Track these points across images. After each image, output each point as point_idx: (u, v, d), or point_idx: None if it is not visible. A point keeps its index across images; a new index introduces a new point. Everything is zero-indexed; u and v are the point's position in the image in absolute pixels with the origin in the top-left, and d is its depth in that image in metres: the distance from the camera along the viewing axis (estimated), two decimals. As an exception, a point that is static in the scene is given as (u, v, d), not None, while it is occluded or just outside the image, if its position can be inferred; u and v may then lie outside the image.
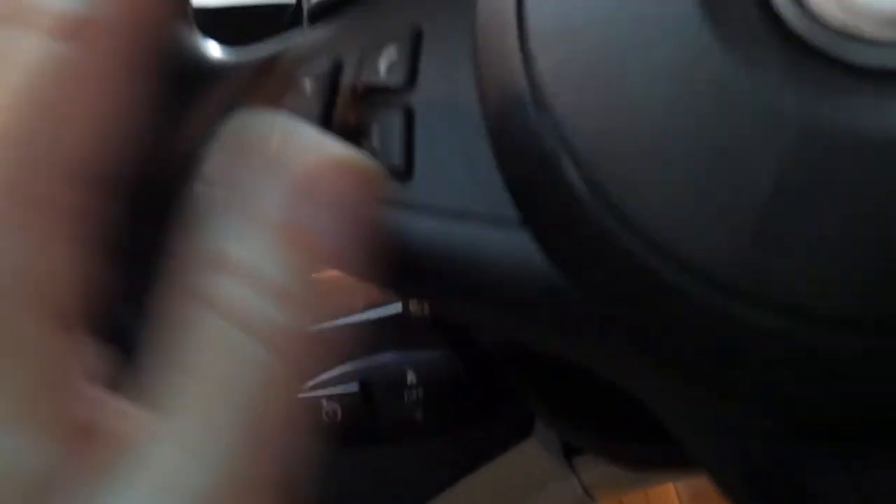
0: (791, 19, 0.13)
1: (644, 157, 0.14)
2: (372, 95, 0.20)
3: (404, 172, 0.19)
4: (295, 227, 0.15)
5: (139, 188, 0.17)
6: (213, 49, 0.23)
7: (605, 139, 0.15)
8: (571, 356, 0.19)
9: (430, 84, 0.19)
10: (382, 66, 0.20)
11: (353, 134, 0.20)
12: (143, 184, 0.18)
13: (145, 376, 0.14)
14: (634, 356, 0.17)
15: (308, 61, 0.21)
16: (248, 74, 0.22)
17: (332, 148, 0.16)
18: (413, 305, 0.30)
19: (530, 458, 0.35)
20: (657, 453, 0.29)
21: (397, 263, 0.19)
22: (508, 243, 0.17)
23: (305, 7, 0.23)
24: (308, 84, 0.21)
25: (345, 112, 0.20)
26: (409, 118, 0.19)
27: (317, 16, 0.22)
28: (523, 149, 0.16)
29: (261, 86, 0.22)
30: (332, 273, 0.17)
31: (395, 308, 0.36)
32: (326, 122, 0.20)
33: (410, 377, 0.29)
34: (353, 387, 0.30)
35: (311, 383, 0.32)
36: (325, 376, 0.30)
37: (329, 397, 0.30)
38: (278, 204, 0.15)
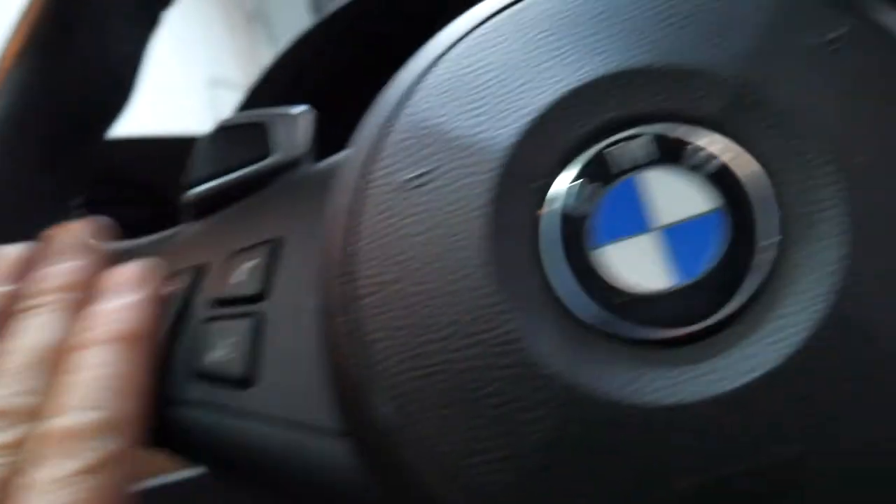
0: (563, 291, 0.16)
1: (442, 399, 0.16)
2: (227, 304, 0.21)
3: (246, 380, 0.20)
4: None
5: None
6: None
7: (412, 379, 0.16)
8: None
9: (282, 295, 0.21)
10: (242, 274, 0.21)
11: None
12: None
13: None
14: None
15: (175, 261, 0.23)
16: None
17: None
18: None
19: None
20: None
21: (232, 464, 0.21)
22: (329, 451, 0.19)
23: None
24: (175, 282, 0.22)
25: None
26: (258, 328, 0.20)
27: (195, 213, 0.24)
28: (345, 376, 0.18)
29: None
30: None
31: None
32: (177, 326, 0.22)
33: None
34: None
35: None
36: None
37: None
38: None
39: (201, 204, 0.24)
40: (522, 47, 0.18)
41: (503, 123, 0.17)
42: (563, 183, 0.16)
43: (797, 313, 0.15)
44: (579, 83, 0.17)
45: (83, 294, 0.22)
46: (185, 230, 0.24)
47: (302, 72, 0.43)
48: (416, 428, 0.16)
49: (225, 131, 0.24)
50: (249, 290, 0.21)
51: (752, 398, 0.14)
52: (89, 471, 0.18)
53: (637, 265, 0.16)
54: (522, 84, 0.17)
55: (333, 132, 0.25)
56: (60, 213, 0.24)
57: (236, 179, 0.24)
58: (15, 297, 0.22)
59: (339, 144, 0.22)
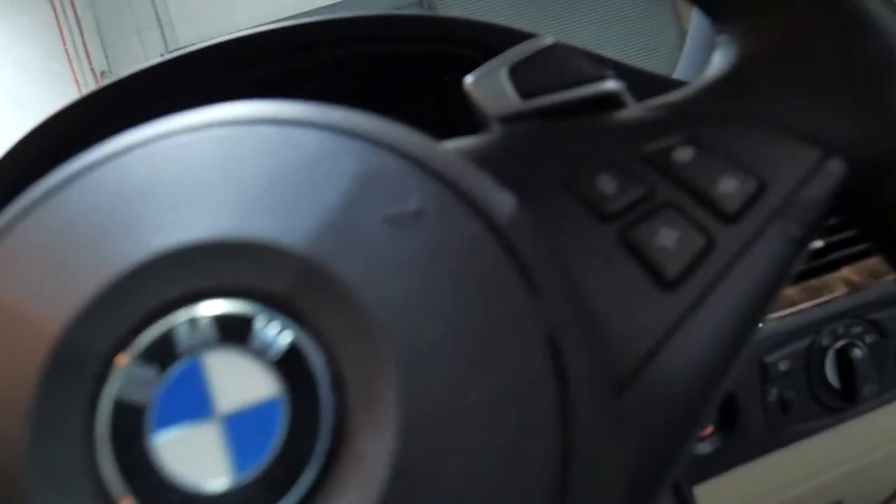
0: (117, 495, 0.14)
1: None
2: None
3: None
4: None
5: None
6: None
7: None
8: None
9: None
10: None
11: None
12: None
13: None
14: None
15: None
16: None
17: None
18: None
19: None
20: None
21: None
22: None
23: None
24: None
25: None
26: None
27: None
28: None
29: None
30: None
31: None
32: None
33: None
34: None
35: None
36: None
37: None
38: None
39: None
40: (88, 217, 0.16)
41: (61, 299, 0.15)
42: (120, 367, 0.15)
43: None
44: (140, 259, 0.15)
45: None
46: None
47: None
48: None
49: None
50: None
51: None
52: None
53: (194, 458, 0.15)
54: (84, 257, 0.16)
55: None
56: None
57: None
58: None
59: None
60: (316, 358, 0.15)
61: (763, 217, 0.19)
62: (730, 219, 0.19)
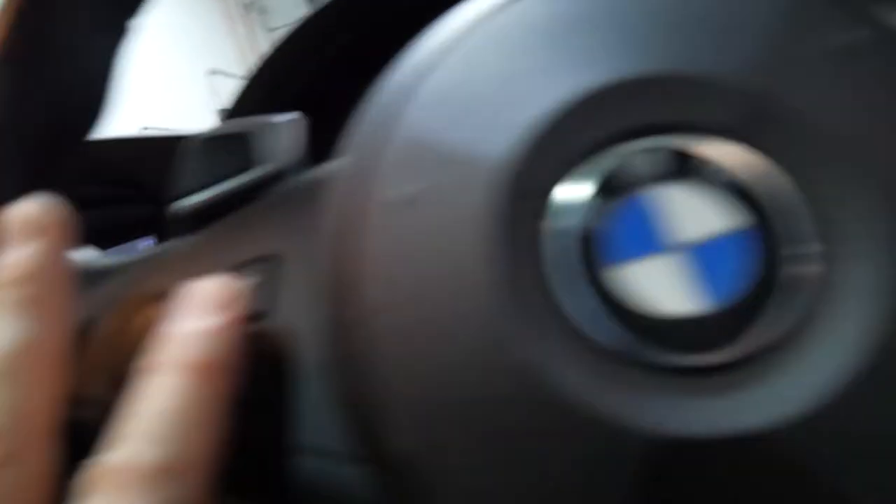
0: (571, 312, 0.15)
1: (454, 431, 0.15)
2: None
3: None
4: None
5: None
6: (86, 257, 0.24)
7: (423, 408, 0.15)
8: None
9: (284, 315, 0.20)
10: None
11: None
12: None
13: None
14: None
15: (176, 275, 0.22)
16: (114, 283, 0.23)
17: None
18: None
19: None
20: None
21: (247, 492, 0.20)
22: (342, 476, 0.18)
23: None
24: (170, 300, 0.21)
25: None
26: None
27: (182, 227, 0.23)
28: (354, 400, 0.17)
29: (126, 298, 0.23)
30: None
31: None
32: None
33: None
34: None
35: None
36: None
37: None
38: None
39: (191, 216, 0.23)
40: (520, 54, 0.17)
41: (501, 136, 0.16)
42: (569, 198, 0.15)
43: (842, 344, 0.14)
44: (583, 92, 0.16)
45: (42, 287, 0.19)
46: (178, 244, 0.23)
47: (291, 71, 0.42)
48: (437, 458, 0.15)
49: (210, 142, 0.23)
50: (255, 307, 0.20)
51: (785, 438, 0.13)
52: None
53: (657, 286, 0.15)
54: (521, 93, 0.16)
55: (325, 132, 0.24)
56: None
57: (224, 192, 0.23)
58: None
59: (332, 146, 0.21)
60: (782, 189, 0.15)
61: None
62: None
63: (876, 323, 0.14)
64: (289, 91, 0.41)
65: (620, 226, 0.15)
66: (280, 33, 0.42)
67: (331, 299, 0.18)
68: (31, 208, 0.20)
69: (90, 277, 0.23)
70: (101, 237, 0.25)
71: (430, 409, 0.15)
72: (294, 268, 0.21)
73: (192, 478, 0.17)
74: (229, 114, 0.43)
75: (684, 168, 0.15)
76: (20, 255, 0.19)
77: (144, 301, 0.22)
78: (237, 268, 0.21)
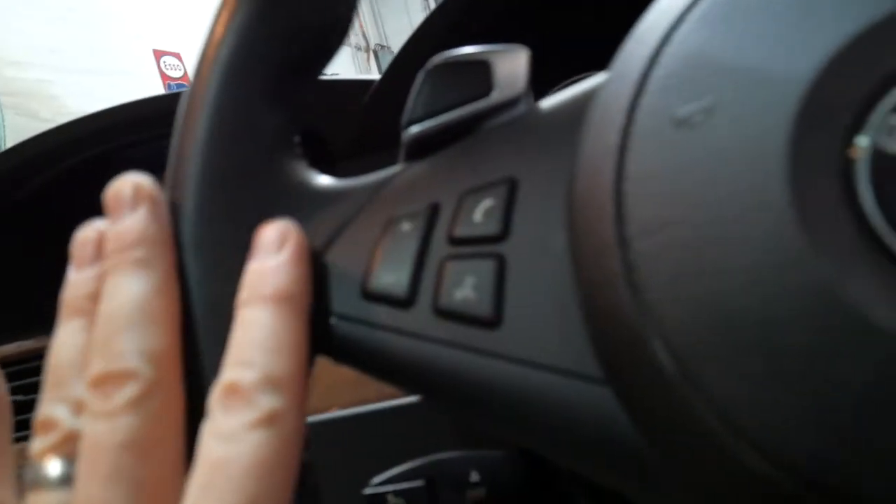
0: (884, 233, 0.15)
1: (735, 350, 0.15)
2: (466, 243, 0.21)
3: (494, 321, 0.20)
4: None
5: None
6: (318, 178, 0.25)
7: (697, 326, 0.16)
8: (636, 499, 0.20)
9: (523, 236, 0.21)
10: (478, 215, 0.21)
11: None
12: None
13: None
14: None
15: (406, 201, 0.23)
16: (350, 205, 0.24)
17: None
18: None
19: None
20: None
21: (479, 406, 0.21)
22: (590, 398, 0.18)
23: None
24: (405, 224, 0.22)
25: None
26: (501, 268, 0.20)
27: (414, 152, 0.24)
28: (614, 321, 0.17)
29: (360, 218, 0.24)
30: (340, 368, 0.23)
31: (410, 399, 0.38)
32: (421, 261, 0.22)
33: (474, 476, 0.31)
34: (418, 483, 0.31)
35: (379, 479, 0.34)
36: (393, 472, 0.31)
37: (395, 492, 0.31)
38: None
39: (420, 143, 0.24)
40: None
41: (802, 53, 0.16)
42: (877, 118, 0.15)
43: None
44: (890, 12, 0.15)
45: (154, 247, 0.23)
46: (407, 170, 0.24)
47: (474, 7, 0.42)
48: (700, 379, 0.15)
49: (442, 69, 0.24)
50: (489, 230, 0.21)
51: None
52: (258, 425, 0.20)
53: None
54: (822, 9, 0.16)
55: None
56: (282, 149, 0.25)
57: (457, 118, 0.23)
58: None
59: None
60: None
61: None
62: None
63: None
64: (469, 29, 0.42)
65: None
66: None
67: (584, 221, 0.18)
68: (130, 181, 0.24)
69: (322, 200, 0.25)
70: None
71: (699, 329, 0.16)
72: (531, 191, 0.21)
73: (289, 390, 0.21)
74: (406, 49, 0.44)
75: None
76: (131, 222, 0.23)
77: None
78: (472, 192, 0.22)
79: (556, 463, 0.31)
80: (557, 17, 0.46)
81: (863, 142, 0.15)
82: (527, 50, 0.24)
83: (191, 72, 0.26)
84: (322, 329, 0.23)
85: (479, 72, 0.23)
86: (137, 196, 0.24)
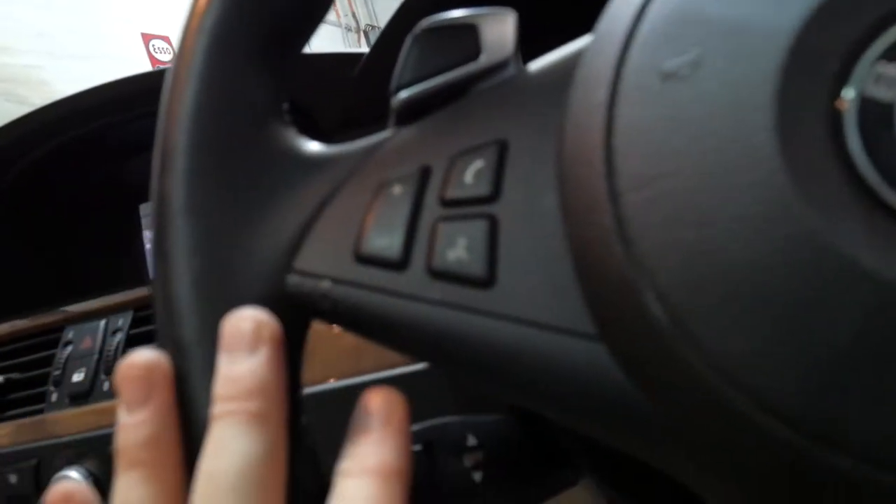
0: (873, 180, 0.15)
1: (726, 298, 0.15)
2: (458, 205, 0.21)
3: (487, 280, 0.20)
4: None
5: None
6: (308, 144, 0.25)
7: (689, 277, 0.16)
8: (634, 455, 0.20)
9: (514, 196, 0.21)
10: (469, 176, 0.21)
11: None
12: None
13: None
14: (698, 469, 0.18)
15: (397, 165, 0.23)
16: (341, 170, 0.24)
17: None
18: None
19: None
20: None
21: (474, 364, 0.21)
22: (585, 355, 0.19)
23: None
24: (397, 188, 0.22)
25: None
26: (493, 228, 0.20)
27: (403, 117, 0.24)
28: (606, 276, 0.17)
29: (351, 183, 0.24)
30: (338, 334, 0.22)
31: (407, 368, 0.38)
32: (413, 224, 0.22)
33: (471, 440, 0.31)
34: (416, 447, 0.31)
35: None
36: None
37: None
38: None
39: (410, 108, 0.24)
40: None
41: (787, 3, 0.16)
42: (864, 66, 0.15)
43: None
44: None
45: (271, 402, 0.21)
46: (398, 135, 0.24)
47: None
48: (693, 330, 0.16)
49: (429, 34, 0.24)
50: (480, 191, 0.21)
51: None
52: None
53: None
54: None
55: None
56: (270, 117, 0.25)
57: (446, 82, 0.23)
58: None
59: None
60: None
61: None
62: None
63: None
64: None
65: None
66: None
67: (574, 178, 0.18)
68: (251, 316, 0.22)
69: (313, 166, 0.25)
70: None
71: (689, 279, 0.16)
72: (521, 152, 0.21)
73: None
74: (395, 20, 0.44)
75: None
76: (250, 366, 0.21)
77: None
78: (462, 154, 0.22)
79: (553, 424, 0.32)
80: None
81: (849, 90, 0.15)
82: (513, 12, 0.24)
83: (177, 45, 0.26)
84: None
85: (467, 35, 0.23)
86: (259, 336, 0.21)
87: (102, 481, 0.49)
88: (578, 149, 0.18)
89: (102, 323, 0.58)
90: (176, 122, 0.24)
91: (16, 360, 0.60)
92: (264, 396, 0.21)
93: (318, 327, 0.24)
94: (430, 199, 0.22)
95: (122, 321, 0.57)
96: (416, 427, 0.32)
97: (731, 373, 0.15)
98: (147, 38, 3.28)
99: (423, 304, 0.21)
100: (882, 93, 0.15)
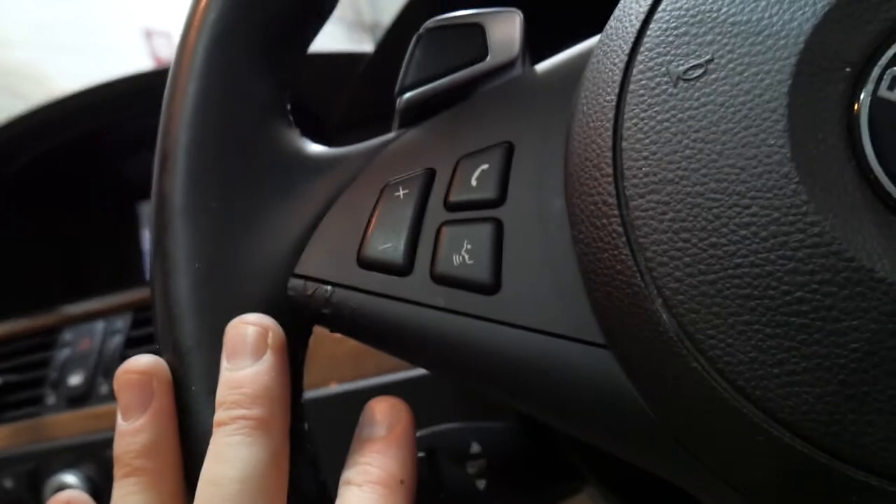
0: (887, 185, 0.14)
1: (736, 306, 0.15)
2: (462, 208, 0.21)
3: (492, 286, 0.20)
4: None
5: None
6: (311, 146, 0.24)
7: (698, 284, 0.15)
8: (639, 463, 0.20)
9: (520, 200, 0.20)
10: (474, 179, 0.21)
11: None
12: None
13: None
14: (704, 477, 0.18)
15: (401, 167, 0.22)
16: (344, 172, 0.24)
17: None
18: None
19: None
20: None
21: (479, 372, 0.20)
22: (591, 362, 0.18)
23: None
24: (401, 190, 0.22)
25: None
26: (498, 233, 0.20)
27: (408, 118, 0.24)
28: (614, 283, 0.17)
29: (355, 185, 0.23)
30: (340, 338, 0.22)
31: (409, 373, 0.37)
32: (417, 228, 0.21)
33: (475, 447, 0.30)
34: (418, 454, 0.31)
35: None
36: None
37: (396, 464, 0.31)
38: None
39: (415, 109, 0.23)
40: None
41: (800, 7, 0.15)
42: (877, 70, 0.15)
43: None
44: None
45: (274, 407, 0.21)
46: (402, 137, 0.23)
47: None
48: (702, 338, 0.15)
49: (434, 34, 0.23)
50: (486, 195, 0.20)
51: None
52: None
53: None
54: None
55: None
56: (273, 117, 0.24)
57: (452, 83, 0.23)
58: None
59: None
60: None
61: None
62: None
63: None
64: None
65: None
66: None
67: (581, 181, 0.18)
68: (254, 320, 0.21)
69: (315, 168, 0.24)
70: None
71: (699, 286, 0.15)
72: (527, 155, 0.21)
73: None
74: (400, 19, 0.43)
75: None
76: (254, 372, 0.21)
77: None
78: (467, 157, 0.21)
79: (558, 432, 0.31)
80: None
81: (863, 94, 0.15)
82: (520, 13, 0.23)
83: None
84: None
85: (473, 35, 0.23)
86: (263, 342, 0.21)
87: (100, 486, 0.49)
88: (586, 152, 0.18)
89: (101, 324, 0.57)
90: (176, 121, 0.23)
91: (13, 362, 0.60)
92: (268, 403, 0.21)
93: (318, 330, 0.24)
94: (435, 202, 0.21)
95: (122, 322, 0.57)
96: (418, 433, 0.31)
97: (739, 382, 0.15)
98: (149, 33, 3.28)
99: (426, 309, 0.20)
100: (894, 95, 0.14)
